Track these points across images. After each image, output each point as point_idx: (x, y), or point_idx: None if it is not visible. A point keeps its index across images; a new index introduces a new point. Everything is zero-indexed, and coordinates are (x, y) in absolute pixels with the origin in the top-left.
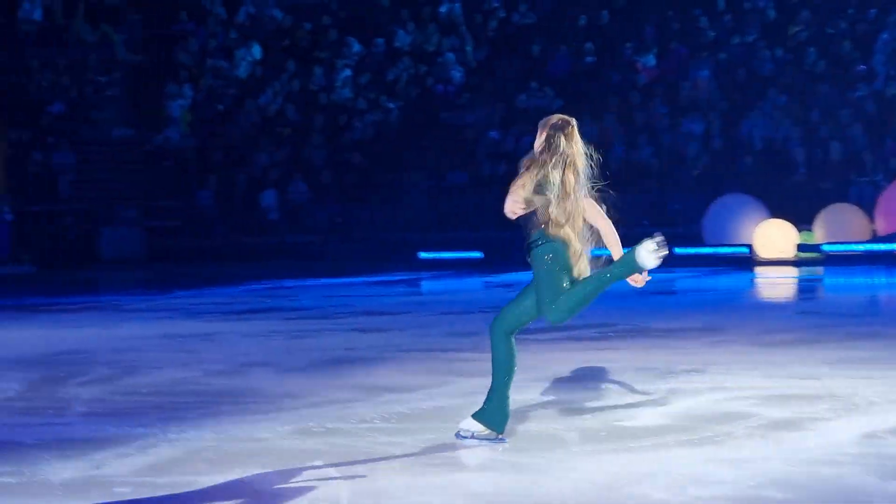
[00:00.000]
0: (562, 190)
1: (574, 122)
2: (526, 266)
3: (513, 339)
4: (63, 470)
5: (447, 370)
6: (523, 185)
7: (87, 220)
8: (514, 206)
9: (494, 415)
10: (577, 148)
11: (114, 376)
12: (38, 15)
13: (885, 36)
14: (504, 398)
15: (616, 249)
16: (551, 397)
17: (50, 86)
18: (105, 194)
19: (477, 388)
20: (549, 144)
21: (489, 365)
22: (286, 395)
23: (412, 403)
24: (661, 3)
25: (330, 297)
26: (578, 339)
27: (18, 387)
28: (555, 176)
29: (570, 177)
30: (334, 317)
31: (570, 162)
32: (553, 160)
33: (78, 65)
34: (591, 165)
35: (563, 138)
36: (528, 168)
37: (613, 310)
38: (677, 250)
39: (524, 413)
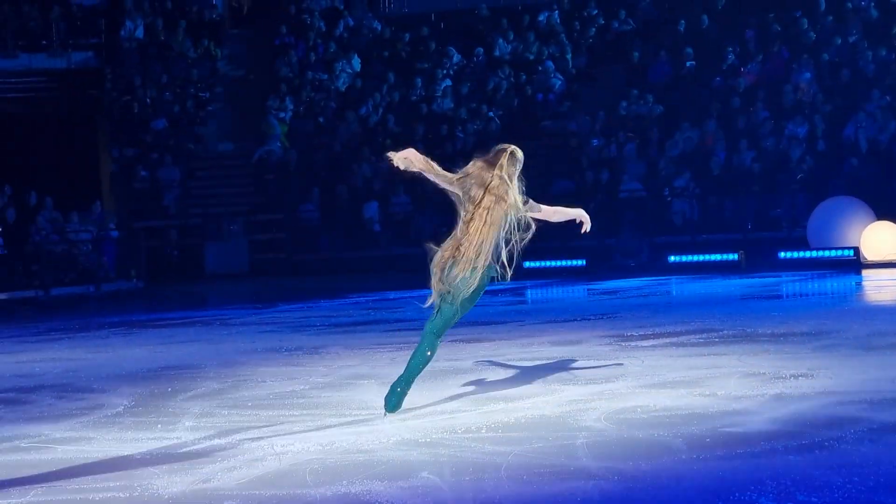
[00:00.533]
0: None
1: (508, 150)
2: (627, 273)
3: (437, 342)
4: (172, 484)
5: (553, 379)
6: (450, 180)
7: (193, 235)
8: (422, 164)
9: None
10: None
11: (221, 390)
12: (139, 33)
13: None
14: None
15: (570, 212)
16: (658, 404)
17: (153, 102)
18: (210, 209)
19: (582, 396)
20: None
21: (595, 372)
22: None
23: (518, 413)
24: (761, 6)
25: None
26: (684, 344)
27: (128, 402)
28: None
29: (486, 199)
30: None
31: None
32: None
33: (180, 80)
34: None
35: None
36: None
37: (718, 315)
38: (782, 254)
39: (631, 420)
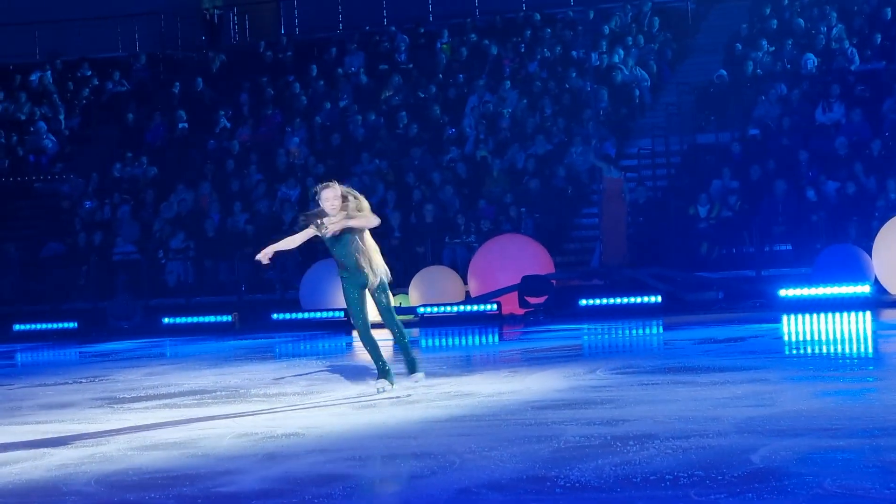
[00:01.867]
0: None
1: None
2: (121, 335)
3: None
4: None
5: (42, 442)
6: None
7: None
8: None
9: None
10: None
11: None
12: None
13: (473, 100)
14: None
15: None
16: (150, 465)
17: None
18: None
19: (73, 460)
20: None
21: (86, 435)
22: None
23: (7, 479)
24: (255, 70)
25: None
26: (177, 406)
27: None
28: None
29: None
30: None
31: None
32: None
33: None
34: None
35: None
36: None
37: (211, 376)
38: (275, 316)
39: (122, 483)
